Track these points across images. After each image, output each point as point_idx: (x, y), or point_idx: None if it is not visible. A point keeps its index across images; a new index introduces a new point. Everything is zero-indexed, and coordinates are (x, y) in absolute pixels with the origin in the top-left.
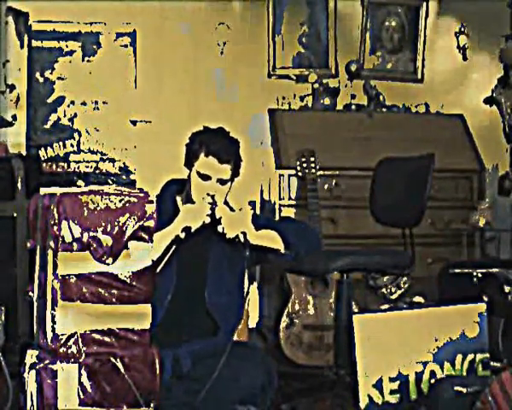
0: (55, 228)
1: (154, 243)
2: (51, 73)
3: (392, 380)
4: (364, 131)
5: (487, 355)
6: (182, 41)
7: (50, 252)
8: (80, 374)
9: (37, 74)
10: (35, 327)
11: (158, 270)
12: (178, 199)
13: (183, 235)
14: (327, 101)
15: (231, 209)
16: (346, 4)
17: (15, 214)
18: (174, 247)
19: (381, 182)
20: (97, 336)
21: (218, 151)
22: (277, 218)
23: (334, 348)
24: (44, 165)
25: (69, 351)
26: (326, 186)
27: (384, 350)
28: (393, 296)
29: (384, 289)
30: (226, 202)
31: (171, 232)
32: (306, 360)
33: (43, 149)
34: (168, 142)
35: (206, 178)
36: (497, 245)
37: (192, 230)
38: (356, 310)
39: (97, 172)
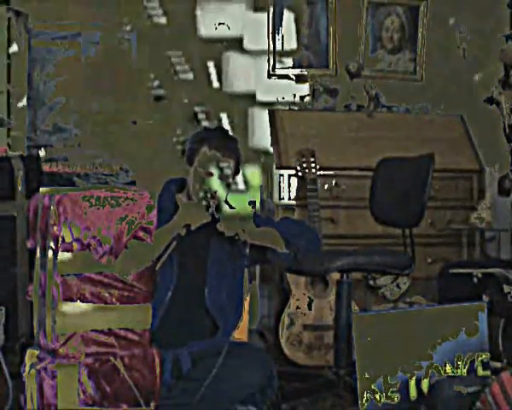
0: (55, 228)
1: (154, 240)
2: (51, 73)
3: (392, 380)
4: (364, 131)
5: (487, 355)
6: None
7: (50, 252)
8: (80, 374)
9: (37, 74)
10: (35, 327)
11: (158, 267)
12: (178, 198)
13: (183, 232)
14: (327, 101)
15: (231, 208)
16: (346, 4)
17: (15, 214)
18: (174, 243)
19: (380, 182)
20: (97, 336)
21: (219, 146)
22: (277, 218)
23: (334, 348)
24: (44, 165)
25: (69, 351)
26: (326, 186)
27: (384, 350)
28: (393, 296)
29: (384, 289)
30: (226, 201)
31: (170, 230)
32: (306, 360)
33: (43, 149)
34: (168, 141)
35: (208, 174)
36: (497, 245)
37: (192, 227)
38: (356, 310)
39: (97, 172)
